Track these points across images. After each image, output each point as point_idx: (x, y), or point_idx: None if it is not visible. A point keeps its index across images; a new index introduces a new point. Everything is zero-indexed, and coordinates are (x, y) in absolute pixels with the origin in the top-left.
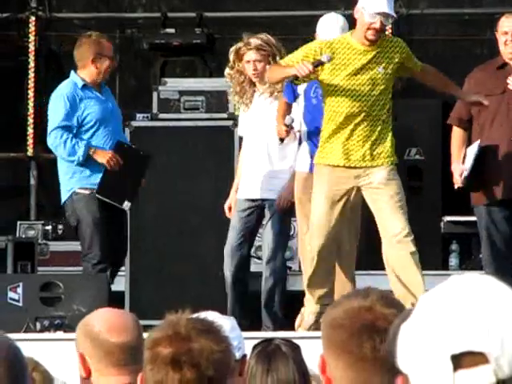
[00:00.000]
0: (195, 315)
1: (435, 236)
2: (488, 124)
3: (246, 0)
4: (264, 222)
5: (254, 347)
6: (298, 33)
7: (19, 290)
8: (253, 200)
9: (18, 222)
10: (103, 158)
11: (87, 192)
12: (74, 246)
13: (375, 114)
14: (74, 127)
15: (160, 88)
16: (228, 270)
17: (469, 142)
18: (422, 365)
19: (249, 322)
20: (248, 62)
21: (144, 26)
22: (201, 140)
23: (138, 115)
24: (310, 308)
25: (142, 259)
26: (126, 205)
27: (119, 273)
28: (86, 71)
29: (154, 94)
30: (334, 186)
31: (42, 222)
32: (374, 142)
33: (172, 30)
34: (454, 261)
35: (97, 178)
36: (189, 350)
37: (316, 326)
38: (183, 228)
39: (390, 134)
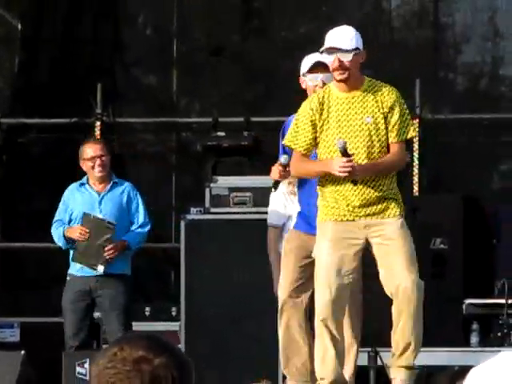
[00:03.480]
0: None
1: (457, 316)
2: None
3: (288, 106)
4: None
5: None
6: None
7: (86, 365)
8: None
9: None
10: (73, 232)
11: (68, 278)
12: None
13: None
14: (66, 221)
15: (212, 185)
16: None
17: None
18: None
19: None
20: None
21: (197, 130)
22: (249, 232)
23: (192, 209)
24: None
25: (197, 347)
26: (100, 268)
27: None
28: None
29: (207, 191)
30: (342, 236)
31: None
32: (378, 196)
33: (222, 133)
34: (474, 339)
35: (75, 264)
36: None
37: None
38: (236, 316)
39: (395, 186)
